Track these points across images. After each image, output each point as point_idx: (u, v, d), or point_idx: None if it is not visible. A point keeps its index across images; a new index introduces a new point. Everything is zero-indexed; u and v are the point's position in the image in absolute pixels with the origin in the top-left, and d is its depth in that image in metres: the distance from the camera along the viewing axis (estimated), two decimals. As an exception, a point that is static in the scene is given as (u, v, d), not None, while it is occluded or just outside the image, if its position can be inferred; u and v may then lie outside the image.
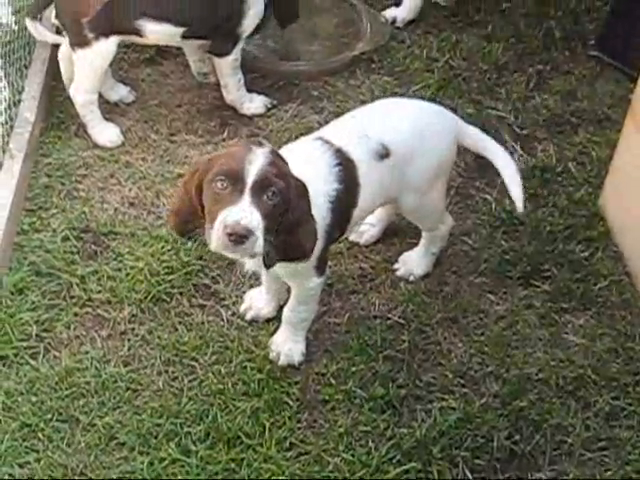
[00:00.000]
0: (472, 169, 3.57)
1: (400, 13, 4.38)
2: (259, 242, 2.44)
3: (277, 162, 2.53)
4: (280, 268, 2.79)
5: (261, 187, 2.44)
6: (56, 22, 3.72)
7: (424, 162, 3.02)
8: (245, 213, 2.41)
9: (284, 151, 2.80)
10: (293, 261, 2.69)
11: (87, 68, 3.62)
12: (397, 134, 2.96)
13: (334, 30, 4.28)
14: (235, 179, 2.44)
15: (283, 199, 2.48)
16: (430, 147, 3.03)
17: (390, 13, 4.38)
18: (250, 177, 2.44)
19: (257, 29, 3.81)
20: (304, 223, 2.60)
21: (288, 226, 2.54)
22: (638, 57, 3.66)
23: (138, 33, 3.60)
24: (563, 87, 4.13)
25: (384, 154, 2.91)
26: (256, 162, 2.46)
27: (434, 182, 3.10)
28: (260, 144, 2.57)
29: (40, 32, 3.80)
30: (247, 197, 2.43)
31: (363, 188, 2.88)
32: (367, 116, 3.04)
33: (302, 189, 2.59)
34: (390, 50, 4.26)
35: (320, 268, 2.87)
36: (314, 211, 2.66)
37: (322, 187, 2.77)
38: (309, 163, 2.79)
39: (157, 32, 3.60)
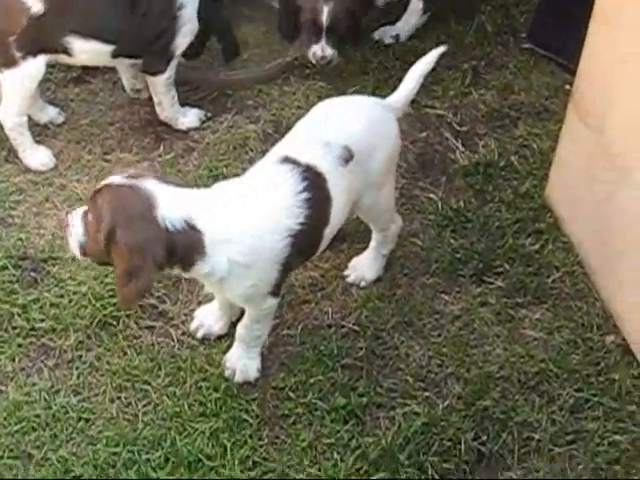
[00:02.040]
0: (414, 169, 3.54)
1: (402, 30, 4.32)
2: (73, 239, 2.74)
3: (119, 192, 2.62)
4: (234, 296, 2.79)
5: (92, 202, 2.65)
6: None
7: (381, 155, 2.98)
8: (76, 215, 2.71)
9: (242, 179, 2.82)
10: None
11: (15, 89, 3.51)
12: (356, 133, 2.90)
13: (264, 38, 4.21)
14: None
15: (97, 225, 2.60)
16: (384, 138, 3.01)
17: (389, 32, 4.31)
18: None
19: (196, 53, 3.77)
20: (121, 266, 2.62)
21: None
22: (570, 47, 3.63)
23: (66, 51, 3.49)
24: (499, 81, 4.11)
25: (349, 157, 2.85)
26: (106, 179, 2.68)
27: (388, 175, 3.07)
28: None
29: None
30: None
31: (335, 200, 2.82)
32: (320, 122, 2.97)
33: (136, 236, 2.58)
34: (324, 55, 4.19)
35: (276, 292, 2.81)
36: (264, 249, 2.66)
37: (279, 223, 2.71)
38: (267, 196, 2.74)
39: (85, 50, 3.50)
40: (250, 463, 2.77)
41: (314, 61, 3.94)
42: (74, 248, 2.70)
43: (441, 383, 2.99)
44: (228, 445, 2.79)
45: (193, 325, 3.11)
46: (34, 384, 2.96)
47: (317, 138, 2.87)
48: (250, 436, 2.83)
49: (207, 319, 3.10)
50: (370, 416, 2.90)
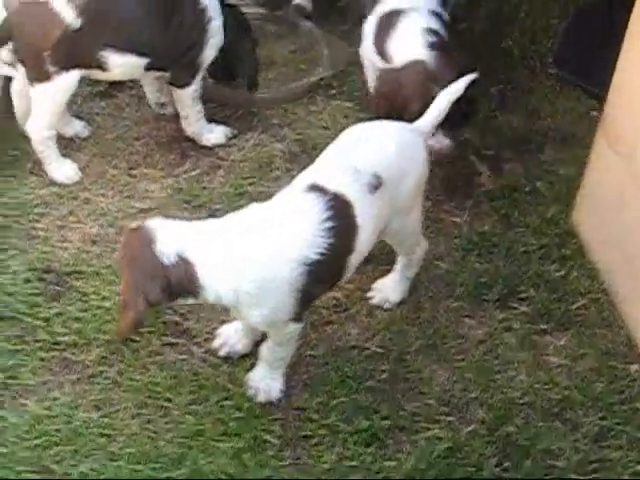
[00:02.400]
0: (440, 192, 3.51)
1: None
2: None
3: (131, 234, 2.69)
4: (252, 321, 2.79)
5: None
6: (9, 59, 3.63)
7: (410, 180, 2.96)
8: None
9: (267, 206, 2.78)
10: None
11: (47, 103, 3.52)
12: (385, 159, 2.87)
13: (291, 56, 4.22)
14: None
15: None
16: (413, 163, 2.98)
17: None
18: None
19: (230, 76, 3.82)
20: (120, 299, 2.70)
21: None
22: (596, 73, 3.63)
23: (101, 66, 3.49)
24: (525, 106, 4.11)
25: (378, 184, 2.82)
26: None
27: (416, 199, 3.06)
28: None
29: None
30: None
31: (362, 228, 2.79)
32: (349, 148, 2.94)
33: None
34: (349, 75, 4.21)
35: (298, 318, 2.80)
36: (276, 278, 2.66)
37: (294, 251, 2.68)
38: (284, 225, 2.72)
39: (120, 64, 3.50)
40: (272, 484, 2.76)
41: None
42: None
43: (464, 408, 2.97)
44: (250, 465, 2.77)
45: (216, 343, 3.09)
46: (55, 398, 2.94)
47: (346, 165, 2.84)
48: (272, 457, 2.80)
49: (230, 337, 3.08)
50: (393, 439, 2.88)
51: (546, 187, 3.73)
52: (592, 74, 3.88)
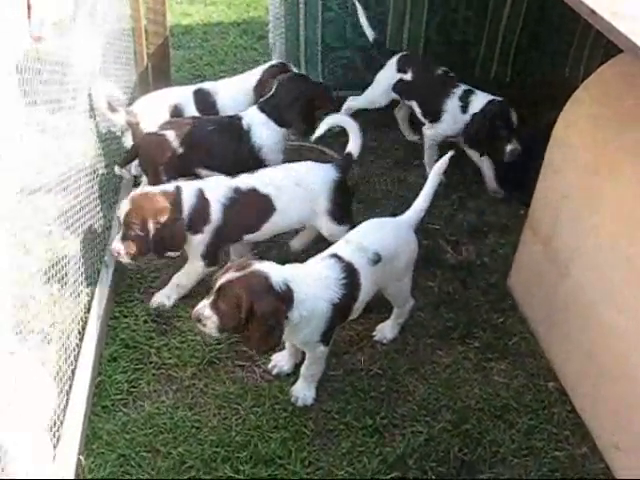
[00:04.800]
0: (419, 264, 3.42)
1: None
2: (207, 327, 2.57)
3: (250, 281, 2.52)
4: (298, 339, 2.76)
5: (219, 296, 2.54)
6: (136, 172, 3.68)
7: (403, 259, 2.97)
8: (201, 308, 2.57)
9: (305, 266, 2.77)
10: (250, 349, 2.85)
11: None
12: (385, 244, 2.89)
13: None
14: (213, 285, 2.57)
15: (236, 307, 2.51)
16: (405, 248, 2.98)
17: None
18: (216, 287, 2.54)
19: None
20: (261, 329, 2.54)
21: (250, 326, 2.54)
22: (524, 187, 3.58)
23: (197, 177, 3.48)
24: (477, 207, 4.08)
25: (377, 260, 2.83)
26: (227, 278, 2.53)
27: (407, 271, 3.04)
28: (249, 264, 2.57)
29: (126, 175, 3.79)
30: (210, 299, 2.57)
31: (363, 287, 2.80)
32: (362, 234, 2.94)
33: (269, 304, 2.52)
34: (359, 187, 4.19)
35: (325, 341, 2.77)
36: (318, 309, 2.64)
37: (329, 295, 2.70)
38: (321, 277, 2.73)
39: (206, 175, 3.47)
40: (307, 462, 2.70)
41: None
42: (212, 330, 2.59)
43: (437, 411, 2.92)
44: (292, 449, 2.74)
45: (270, 365, 3.05)
46: (162, 402, 2.92)
47: (358, 244, 2.86)
48: (307, 444, 2.77)
49: (280, 361, 3.05)
50: (388, 433, 2.83)
51: (490, 262, 3.69)
52: (522, 188, 3.84)
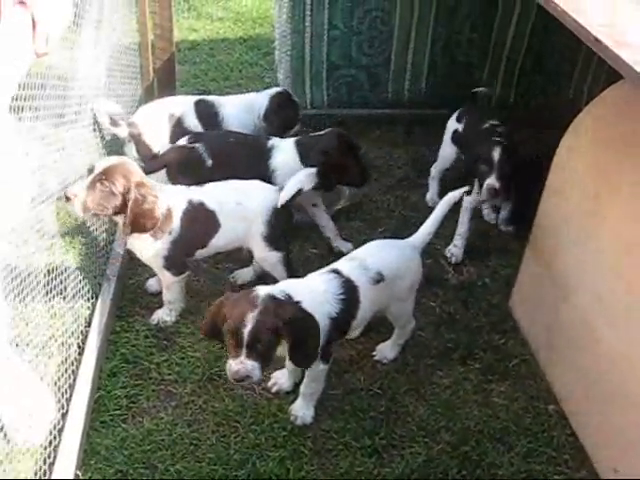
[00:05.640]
0: (422, 285, 3.38)
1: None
2: (256, 376, 2.47)
3: (271, 309, 2.46)
4: None
5: (254, 341, 2.42)
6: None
7: (406, 280, 2.97)
8: (241, 365, 2.44)
9: (303, 281, 2.79)
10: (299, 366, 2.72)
11: None
12: (388, 265, 2.90)
13: (325, 194, 4.15)
14: (235, 336, 2.43)
15: (274, 339, 2.46)
16: (409, 271, 2.99)
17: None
18: (245, 334, 2.41)
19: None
20: (301, 347, 2.54)
21: (290, 349, 2.52)
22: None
23: None
24: (479, 228, 4.03)
25: (379, 279, 2.84)
26: (250, 320, 2.42)
27: (410, 293, 3.05)
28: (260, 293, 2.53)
29: None
30: (244, 351, 2.44)
31: (362, 304, 2.80)
32: (366, 254, 2.95)
33: (302, 322, 2.51)
34: (362, 205, 4.21)
35: (325, 358, 2.77)
36: (320, 323, 2.60)
37: (326, 309, 2.70)
38: (320, 291, 2.73)
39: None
40: (305, 482, 2.70)
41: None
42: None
43: (436, 433, 2.91)
44: (291, 468, 2.72)
45: (270, 383, 3.05)
46: (161, 418, 2.91)
47: (361, 262, 2.87)
48: (305, 463, 2.75)
49: (279, 379, 3.04)
50: (387, 453, 2.82)
51: (492, 283, 3.69)
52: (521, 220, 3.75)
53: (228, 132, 3.88)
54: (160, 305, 3.37)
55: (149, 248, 3.17)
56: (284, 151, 3.64)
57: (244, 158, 3.59)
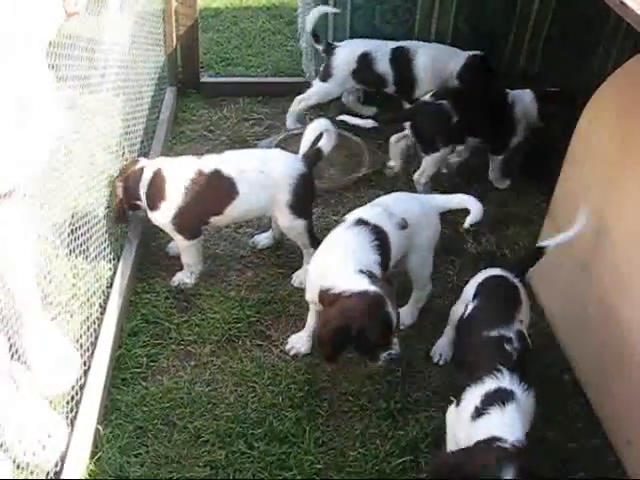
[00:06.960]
0: (440, 253, 3.42)
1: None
2: None
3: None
4: None
5: None
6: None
7: (425, 233, 3.04)
8: None
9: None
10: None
11: (434, 167, 3.92)
12: (411, 213, 2.98)
13: (345, 160, 4.21)
14: None
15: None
16: (430, 222, 3.06)
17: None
18: None
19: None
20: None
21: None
22: (548, 179, 3.58)
23: (463, 143, 4.01)
24: (498, 198, 4.06)
25: (404, 225, 2.91)
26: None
27: (430, 247, 3.09)
28: None
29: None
30: None
31: (392, 246, 2.88)
32: (391, 202, 3.04)
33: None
34: (382, 173, 4.20)
35: None
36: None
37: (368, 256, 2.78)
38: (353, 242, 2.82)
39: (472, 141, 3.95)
40: (320, 442, 2.73)
41: None
42: None
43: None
44: (306, 428, 2.76)
45: (287, 346, 3.08)
46: (181, 377, 2.96)
47: (387, 210, 2.94)
48: (321, 424, 2.80)
49: (297, 342, 3.08)
50: (402, 417, 2.85)
51: (510, 253, 3.69)
52: (545, 179, 3.81)
53: (468, 88, 4.08)
54: (180, 268, 3.40)
55: (157, 216, 3.26)
56: (525, 103, 3.88)
57: (487, 112, 3.80)
